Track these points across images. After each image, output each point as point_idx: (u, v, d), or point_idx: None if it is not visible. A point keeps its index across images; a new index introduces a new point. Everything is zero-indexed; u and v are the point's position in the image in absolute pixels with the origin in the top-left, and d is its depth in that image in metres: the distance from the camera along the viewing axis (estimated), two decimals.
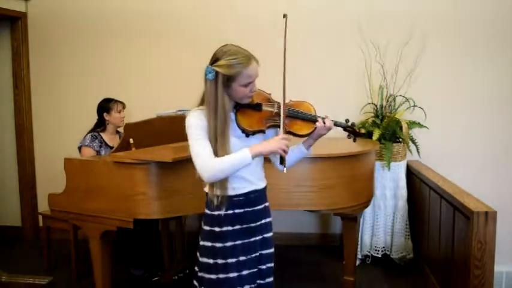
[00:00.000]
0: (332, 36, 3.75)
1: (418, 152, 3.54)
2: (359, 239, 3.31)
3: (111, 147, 3.20)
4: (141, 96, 3.94)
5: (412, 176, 3.47)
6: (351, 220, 2.90)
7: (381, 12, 3.67)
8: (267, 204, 1.87)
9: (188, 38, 3.90)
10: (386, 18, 3.65)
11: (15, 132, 4.17)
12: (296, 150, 1.84)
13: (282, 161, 1.68)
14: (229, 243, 1.74)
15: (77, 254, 3.26)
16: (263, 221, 1.83)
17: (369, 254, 3.49)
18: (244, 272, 1.76)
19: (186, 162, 2.28)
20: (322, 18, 3.76)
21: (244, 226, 1.77)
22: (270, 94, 1.79)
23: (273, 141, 1.65)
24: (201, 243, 1.79)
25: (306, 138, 1.81)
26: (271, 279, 1.86)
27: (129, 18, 3.96)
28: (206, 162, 1.63)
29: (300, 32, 3.78)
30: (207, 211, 1.79)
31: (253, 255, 1.79)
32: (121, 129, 3.34)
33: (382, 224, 3.43)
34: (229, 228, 1.74)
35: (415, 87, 3.56)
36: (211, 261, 1.75)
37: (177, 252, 3.21)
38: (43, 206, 3.68)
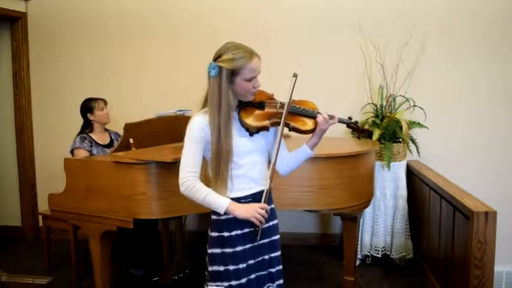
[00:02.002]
0: (332, 36, 3.75)
1: (418, 152, 3.54)
2: (359, 239, 3.30)
3: (103, 145, 3.21)
4: (140, 96, 3.95)
5: (412, 176, 3.47)
6: (351, 220, 2.91)
7: (381, 12, 3.67)
8: (273, 206, 1.84)
9: (188, 38, 3.90)
10: (386, 18, 3.65)
11: (15, 132, 4.17)
12: (299, 152, 1.82)
13: (256, 230, 1.69)
14: (239, 248, 1.70)
15: (77, 254, 3.26)
16: (270, 223, 1.80)
17: (369, 254, 3.49)
18: (252, 276, 1.74)
19: None
20: (322, 18, 3.76)
21: (253, 229, 1.72)
22: (272, 94, 1.80)
23: (252, 209, 1.65)
24: (209, 251, 1.73)
25: (309, 137, 1.80)
26: (281, 281, 1.83)
27: (130, 19, 3.96)
28: (186, 179, 1.64)
29: (300, 32, 3.78)
30: (213, 217, 1.73)
31: (261, 258, 1.77)
32: (108, 126, 3.35)
33: (382, 224, 3.43)
34: (239, 232, 1.70)
35: (415, 87, 3.56)
36: (221, 268, 1.69)
37: (177, 252, 3.20)
38: (43, 206, 3.67)
